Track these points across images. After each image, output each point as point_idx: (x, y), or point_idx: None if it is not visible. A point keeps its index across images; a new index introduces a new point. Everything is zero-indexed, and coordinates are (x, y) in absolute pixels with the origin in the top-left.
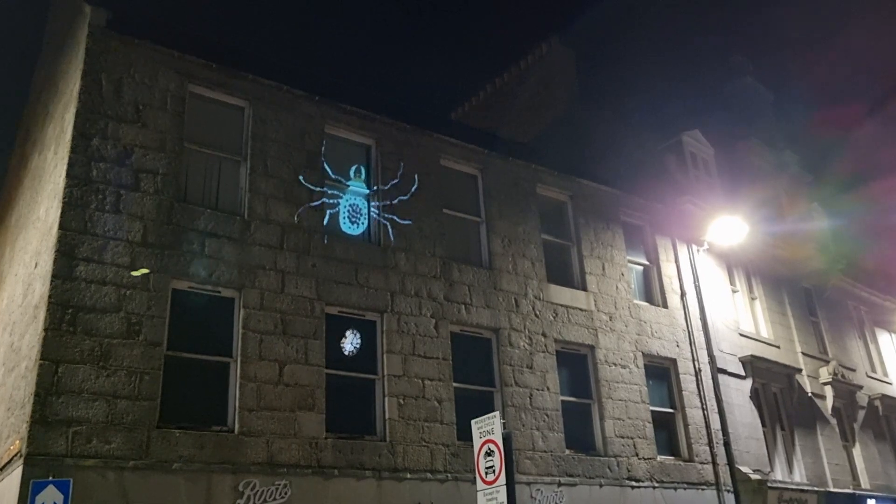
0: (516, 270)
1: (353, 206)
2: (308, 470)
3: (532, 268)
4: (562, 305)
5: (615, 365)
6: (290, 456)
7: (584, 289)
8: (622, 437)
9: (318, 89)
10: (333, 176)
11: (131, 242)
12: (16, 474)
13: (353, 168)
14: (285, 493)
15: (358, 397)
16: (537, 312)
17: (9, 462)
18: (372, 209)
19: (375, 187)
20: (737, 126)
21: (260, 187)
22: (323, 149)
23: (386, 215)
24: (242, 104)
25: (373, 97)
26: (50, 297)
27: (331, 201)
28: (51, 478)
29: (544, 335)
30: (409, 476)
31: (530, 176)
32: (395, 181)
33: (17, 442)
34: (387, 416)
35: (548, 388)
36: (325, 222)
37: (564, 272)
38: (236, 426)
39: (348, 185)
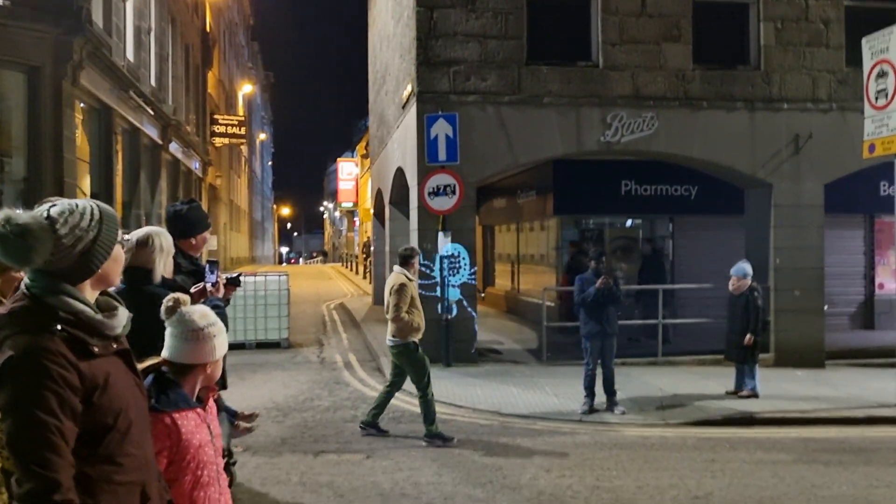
0: None
1: None
2: (675, 102)
3: None
4: None
5: None
6: (656, 88)
7: None
8: None
9: None
10: None
11: None
12: (412, 111)
13: None
14: (652, 125)
15: (729, 25)
16: None
17: (407, 101)
18: None
19: None
20: None
21: None
22: None
23: None
24: None
25: None
26: None
27: None
28: (440, 112)
29: None
30: (785, 107)
31: None
32: None
33: (410, 83)
34: (762, 43)
35: None
36: None
37: None
38: (600, 60)
39: None
